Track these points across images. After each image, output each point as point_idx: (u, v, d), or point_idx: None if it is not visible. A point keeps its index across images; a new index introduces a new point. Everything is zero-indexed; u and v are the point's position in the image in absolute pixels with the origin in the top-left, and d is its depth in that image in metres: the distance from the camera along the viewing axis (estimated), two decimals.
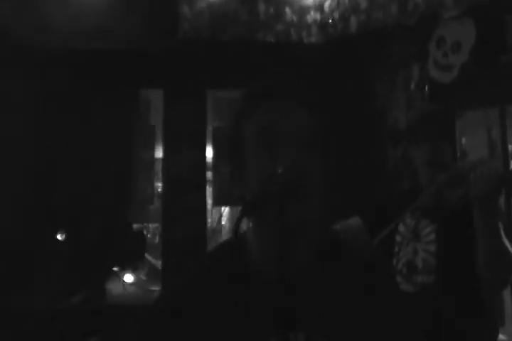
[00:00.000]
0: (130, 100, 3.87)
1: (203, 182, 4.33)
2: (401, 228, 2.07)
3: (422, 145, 2.01)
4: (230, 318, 1.02)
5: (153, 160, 4.61)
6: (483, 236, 1.79)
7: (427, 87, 3.21)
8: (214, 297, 1.04)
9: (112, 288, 3.68)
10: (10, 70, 3.44)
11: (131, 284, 4.04)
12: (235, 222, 0.95)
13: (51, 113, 3.65)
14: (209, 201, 4.73)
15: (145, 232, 5.65)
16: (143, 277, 5.71)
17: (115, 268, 3.86)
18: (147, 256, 4.71)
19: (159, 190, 4.90)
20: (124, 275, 3.86)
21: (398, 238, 2.06)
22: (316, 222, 1.05)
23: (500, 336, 2.11)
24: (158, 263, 6.39)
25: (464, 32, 3.11)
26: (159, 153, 4.46)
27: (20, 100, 3.57)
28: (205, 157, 4.30)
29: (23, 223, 3.51)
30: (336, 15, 3.36)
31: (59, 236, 3.54)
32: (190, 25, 3.28)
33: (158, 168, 4.66)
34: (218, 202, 4.94)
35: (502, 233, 1.80)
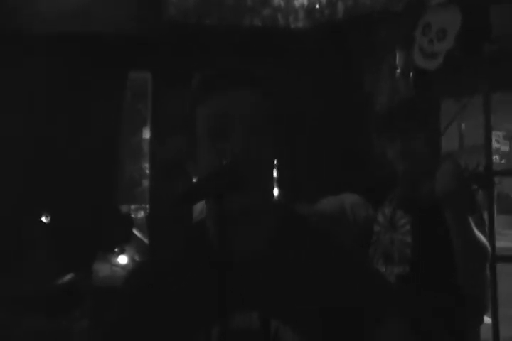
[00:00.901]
0: (117, 83, 3.86)
1: None
2: (379, 217, 2.08)
3: (393, 138, 2.00)
4: (185, 299, 1.05)
5: (140, 142, 4.63)
6: (453, 229, 1.82)
7: (411, 74, 3.22)
8: (175, 275, 1.08)
9: (100, 270, 3.72)
10: None
11: (123, 266, 4.08)
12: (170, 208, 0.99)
13: (37, 96, 3.64)
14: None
15: (142, 212, 5.69)
16: (136, 258, 5.71)
17: (102, 251, 3.89)
18: (138, 234, 4.74)
19: (147, 170, 4.93)
20: (111, 257, 3.90)
21: (376, 227, 2.08)
22: (263, 209, 1.06)
23: (488, 319, 2.15)
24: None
25: (449, 19, 3.10)
26: (147, 134, 4.47)
27: (5, 85, 3.55)
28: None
29: (7, 206, 3.53)
30: (323, 0, 3.35)
31: (44, 219, 3.57)
32: (176, 9, 3.26)
33: (146, 148, 4.68)
34: None
35: (472, 226, 1.82)
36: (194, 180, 1.09)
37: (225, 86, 1.03)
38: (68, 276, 3.49)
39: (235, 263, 0.97)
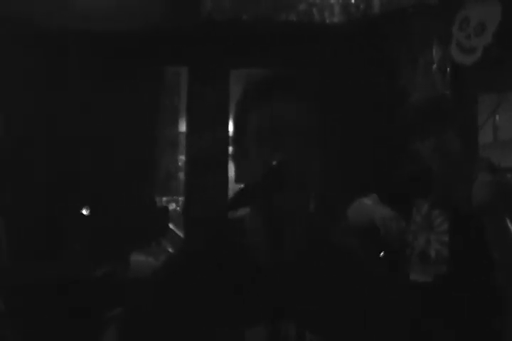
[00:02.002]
0: (155, 78, 3.93)
1: (226, 158, 4.39)
2: (416, 217, 2.06)
3: (425, 135, 1.97)
4: (221, 298, 1.06)
5: (177, 135, 4.69)
6: (490, 233, 1.80)
7: (448, 69, 3.18)
8: (208, 275, 1.09)
9: (136, 262, 3.80)
10: (32, 52, 3.52)
11: (159, 258, 4.14)
12: (229, 210, 1.03)
13: (77, 91, 3.73)
14: (231, 177, 4.82)
15: (174, 204, 5.76)
16: (169, 250, 5.77)
17: (139, 242, 3.97)
18: (172, 227, 4.81)
19: (182, 163, 5.00)
20: (148, 249, 3.98)
21: (413, 227, 2.05)
22: (307, 213, 1.10)
23: None
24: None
25: (488, 13, 3.05)
26: (183, 128, 4.53)
27: (44, 79, 3.65)
28: (228, 134, 4.36)
29: (49, 198, 3.64)
30: None
31: (84, 211, 3.66)
32: (213, 5, 3.29)
33: (183, 141, 4.74)
34: (240, 179, 5.03)
35: (510, 228, 1.80)
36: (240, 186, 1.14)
37: (273, 95, 1.08)
38: (105, 267, 3.57)
39: (268, 267, 1.00)
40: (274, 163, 1.00)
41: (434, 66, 3.23)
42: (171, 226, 4.53)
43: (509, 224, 1.80)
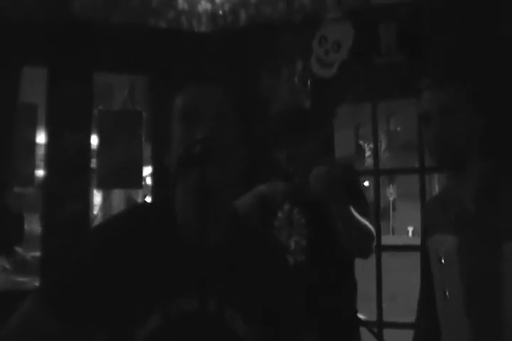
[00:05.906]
0: (11, 78, 3.71)
1: (87, 166, 4.25)
2: (279, 214, 2.29)
3: (283, 144, 2.21)
4: (144, 272, 1.12)
5: (34, 142, 4.44)
6: (338, 219, 2.03)
7: (309, 82, 3.40)
8: (132, 252, 1.14)
9: None
10: None
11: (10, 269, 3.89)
12: (170, 184, 1.12)
13: None
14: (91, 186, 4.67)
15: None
16: (7, 266, 5.45)
17: None
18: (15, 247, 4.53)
19: (40, 172, 4.74)
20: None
21: (276, 223, 2.29)
22: (231, 189, 1.21)
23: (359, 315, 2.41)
24: (28, 255, 6.13)
25: (343, 33, 3.34)
26: (42, 138, 4.30)
27: None
28: (89, 140, 4.23)
29: None
30: (227, 7, 3.46)
31: None
32: (81, 6, 3.22)
33: (41, 152, 4.50)
34: (101, 186, 4.90)
35: (354, 214, 2.04)
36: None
37: (194, 82, 1.22)
38: None
39: (200, 244, 1.06)
40: (198, 137, 1.11)
41: (296, 78, 3.43)
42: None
43: (353, 211, 2.03)
